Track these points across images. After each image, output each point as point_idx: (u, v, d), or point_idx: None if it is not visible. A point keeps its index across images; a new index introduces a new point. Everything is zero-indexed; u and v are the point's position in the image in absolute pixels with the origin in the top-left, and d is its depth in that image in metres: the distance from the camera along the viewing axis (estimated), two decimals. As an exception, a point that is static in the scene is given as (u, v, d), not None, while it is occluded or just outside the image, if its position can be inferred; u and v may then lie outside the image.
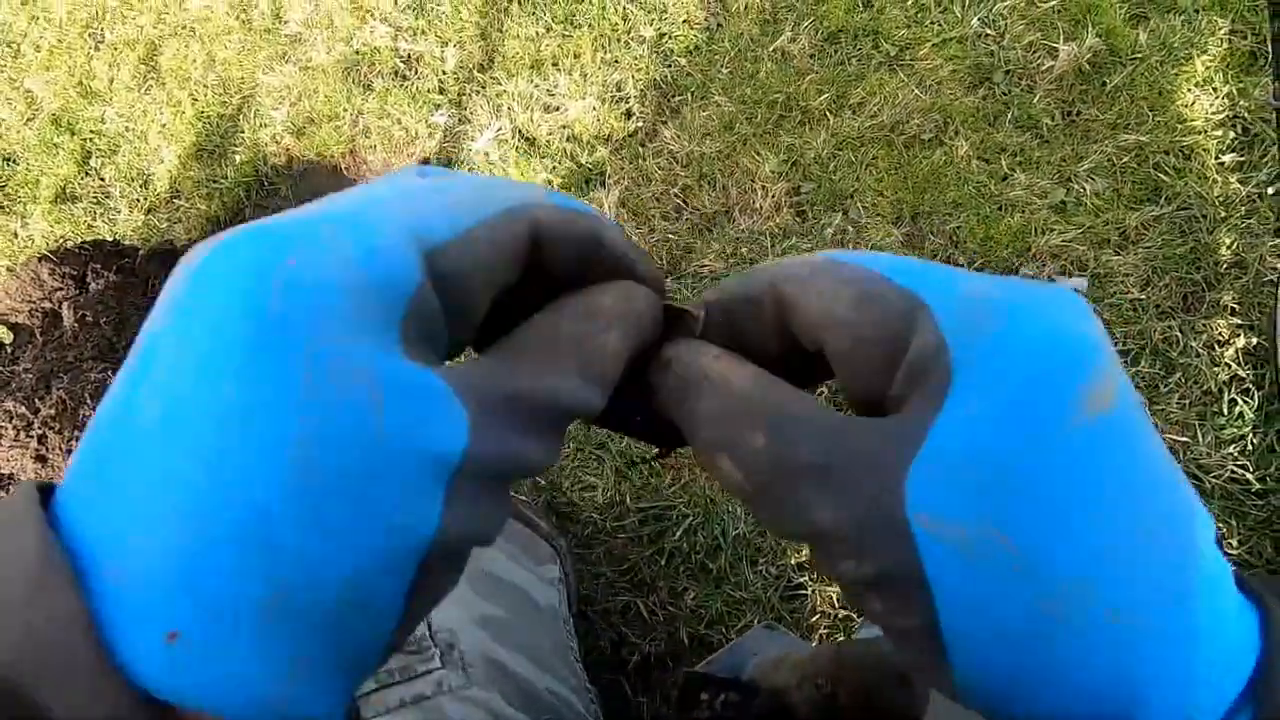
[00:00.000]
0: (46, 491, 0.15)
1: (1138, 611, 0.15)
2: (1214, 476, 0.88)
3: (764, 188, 1.14)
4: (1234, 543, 0.86)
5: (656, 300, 0.22)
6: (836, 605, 0.92)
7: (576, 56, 1.31)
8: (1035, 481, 0.15)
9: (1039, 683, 0.15)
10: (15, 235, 1.58)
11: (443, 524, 0.15)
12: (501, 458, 0.17)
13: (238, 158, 1.48)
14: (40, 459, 0.97)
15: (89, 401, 0.97)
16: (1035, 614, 0.15)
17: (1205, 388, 0.93)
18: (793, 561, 0.95)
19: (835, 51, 1.21)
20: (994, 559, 0.15)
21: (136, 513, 0.13)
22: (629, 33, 1.30)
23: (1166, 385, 0.94)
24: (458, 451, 0.16)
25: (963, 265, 1.05)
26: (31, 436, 0.96)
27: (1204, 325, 0.96)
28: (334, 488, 0.14)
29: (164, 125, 1.56)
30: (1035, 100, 1.11)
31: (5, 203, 1.63)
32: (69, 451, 0.97)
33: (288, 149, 1.46)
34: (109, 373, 1.01)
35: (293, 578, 0.13)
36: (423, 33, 1.42)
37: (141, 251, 1.32)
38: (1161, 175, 1.04)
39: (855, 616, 0.91)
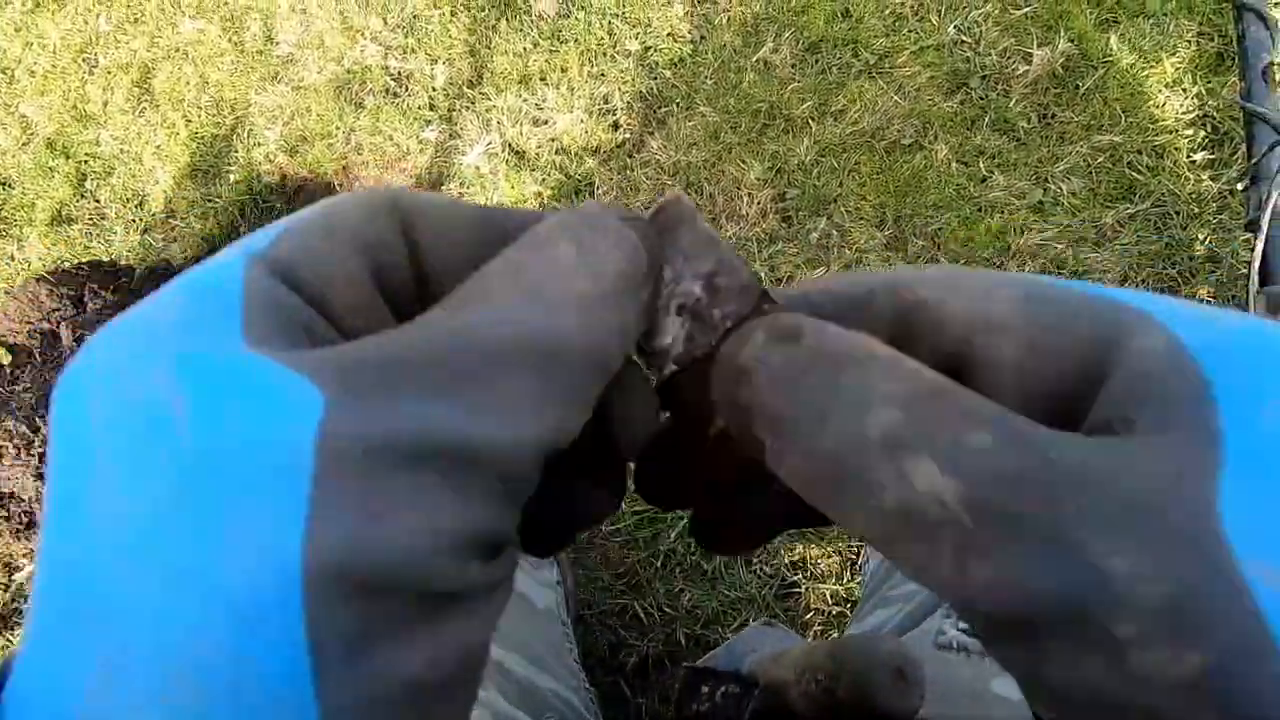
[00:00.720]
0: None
1: None
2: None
3: (750, 195, 1.16)
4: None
5: (638, 231, 0.15)
6: (830, 602, 0.93)
7: (564, 71, 1.33)
8: None
9: None
10: (12, 258, 1.60)
11: (311, 530, 0.10)
12: (393, 431, 0.11)
13: (232, 177, 1.51)
14: (41, 477, 0.99)
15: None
16: None
17: (1184, 379, 0.95)
18: (786, 560, 0.96)
19: (816, 61, 1.24)
20: None
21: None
22: (615, 46, 1.33)
23: (1146, 378, 0.96)
24: (307, 437, 0.11)
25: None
26: (33, 455, 0.98)
27: (1181, 319, 0.98)
28: (151, 533, 0.11)
29: (158, 147, 1.58)
30: (1011, 104, 1.14)
31: (2, 226, 1.65)
32: (70, 469, 0.98)
33: (281, 167, 1.48)
34: (108, 390, 1.03)
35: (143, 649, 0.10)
36: (412, 51, 1.44)
37: (138, 271, 1.34)
38: (1135, 174, 1.07)
39: (848, 612, 0.93)
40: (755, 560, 0.97)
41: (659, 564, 0.98)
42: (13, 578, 1.22)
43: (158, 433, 0.11)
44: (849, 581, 0.94)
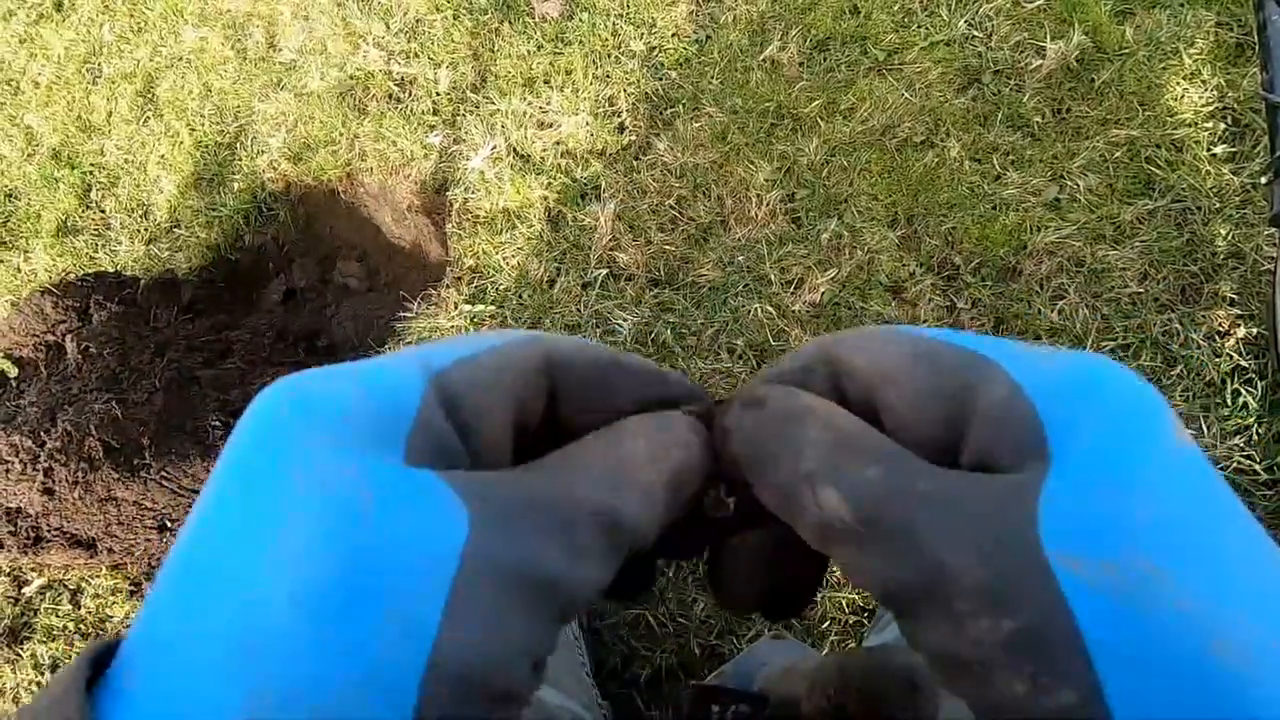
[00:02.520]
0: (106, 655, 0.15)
1: None
2: (1221, 468, 0.88)
3: (758, 196, 1.15)
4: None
5: (699, 426, 0.20)
6: (845, 611, 0.91)
7: (568, 73, 1.32)
8: (1167, 509, 0.14)
9: None
10: (18, 270, 1.60)
11: (440, 633, 0.14)
12: (512, 553, 0.15)
13: (236, 185, 1.50)
14: (47, 491, 0.98)
15: (94, 433, 0.98)
16: (1204, 664, 0.13)
17: (1208, 379, 0.93)
18: (801, 568, 0.94)
19: (824, 59, 1.22)
20: (1151, 598, 0.13)
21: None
22: (619, 48, 1.31)
23: (1168, 379, 0.94)
24: (456, 547, 0.14)
25: (960, 265, 1.05)
26: (38, 469, 0.97)
27: (1203, 317, 0.96)
28: (327, 594, 0.13)
29: (163, 156, 1.57)
30: (1025, 99, 1.12)
31: (7, 238, 1.65)
32: (75, 483, 0.97)
33: (285, 175, 1.47)
34: (113, 403, 1.02)
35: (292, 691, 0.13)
36: (415, 55, 1.43)
37: (143, 282, 1.33)
38: (1154, 169, 1.04)
39: (865, 621, 0.91)
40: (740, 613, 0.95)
41: (671, 574, 0.96)
42: (21, 591, 1.22)
43: (352, 519, 0.14)
44: (865, 591, 0.92)
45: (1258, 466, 0.87)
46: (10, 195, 1.69)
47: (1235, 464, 0.88)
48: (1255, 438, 0.89)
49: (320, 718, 0.13)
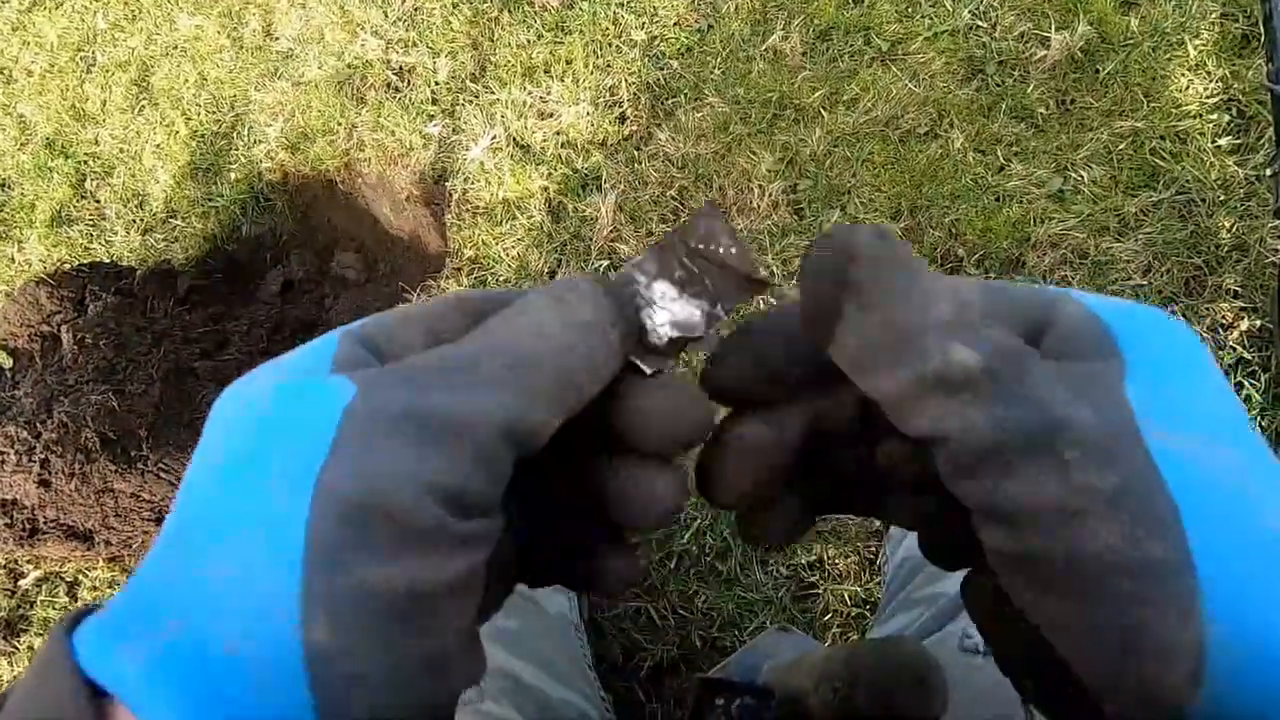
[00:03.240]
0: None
1: None
2: (1224, 461, 0.88)
3: (761, 187, 1.14)
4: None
5: (605, 302, 0.19)
6: (848, 604, 0.91)
7: (568, 62, 1.31)
8: (1230, 408, 0.16)
9: None
10: (12, 260, 1.58)
11: (326, 464, 0.16)
12: (400, 405, 0.16)
13: (233, 175, 1.48)
14: (44, 483, 0.97)
15: (90, 424, 0.97)
16: (1270, 536, 0.14)
17: (1211, 372, 0.93)
18: (804, 561, 0.94)
19: (827, 48, 1.21)
20: (1229, 469, 0.15)
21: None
22: (620, 37, 1.30)
23: (1172, 371, 0.93)
24: (339, 408, 0.16)
25: (963, 257, 1.05)
26: (34, 461, 0.96)
27: (1207, 309, 0.95)
28: (231, 466, 0.17)
29: (158, 145, 1.56)
30: (1029, 90, 1.11)
31: (1, 228, 1.63)
32: (72, 475, 0.96)
33: (282, 165, 1.46)
34: (110, 395, 1.01)
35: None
36: (414, 44, 1.42)
37: (139, 272, 1.32)
38: (1158, 160, 1.04)
39: (868, 614, 0.90)
40: (771, 561, 0.95)
41: (673, 566, 0.96)
42: (18, 584, 1.21)
43: (249, 413, 0.17)
44: (868, 582, 0.92)
45: (1261, 459, 0.87)
46: (4, 185, 1.67)
47: (1238, 457, 0.88)
48: (1259, 430, 0.89)
49: (225, 572, 0.15)
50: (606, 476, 0.20)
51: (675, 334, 0.21)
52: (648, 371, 0.20)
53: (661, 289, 0.21)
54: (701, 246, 0.21)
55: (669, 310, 0.21)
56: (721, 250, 0.21)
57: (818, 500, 0.24)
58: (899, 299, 0.17)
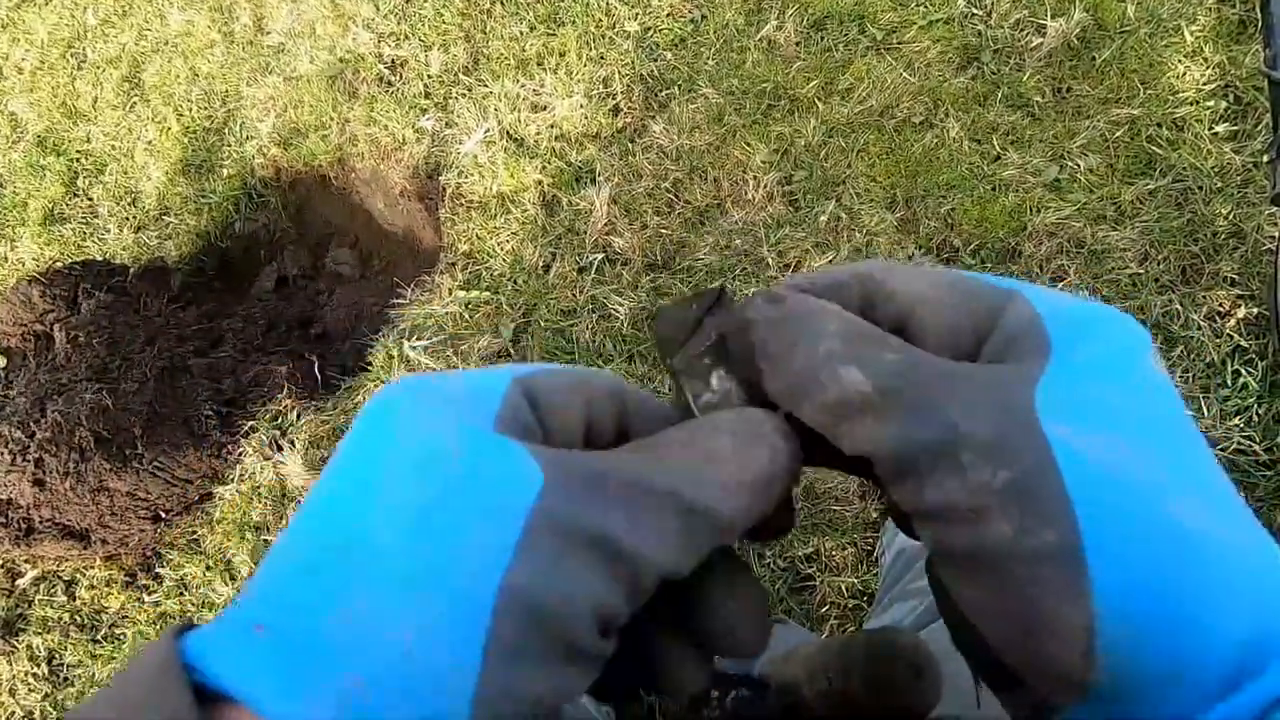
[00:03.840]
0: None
1: (1266, 551, 0.16)
2: (1220, 449, 0.88)
3: (755, 178, 1.13)
4: (1244, 515, 0.85)
5: (788, 429, 0.20)
6: (845, 595, 0.91)
7: (562, 55, 1.30)
8: (1143, 408, 0.17)
9: (1183, 616, 0.15)
10: (5, 259, 1.58)
11: (512, 564, 0.16)
12: (579, 514, 0.16)
13: (225, 171, 1.48)
14: (38, 483, 0.97)
15: (84, 423, 0.97)
16: (1167, 523, 0.15)
17: (1208, 360, 0.92)
18: (801, 553, 0.94)
19: (822, 38, 1.20)
20: (1125, 464, 0.16)
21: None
22: (613, 28, 1.29)
23: (1169, 359, 0.93)
24: (529, 497, 0.16)
25: (959, 247, 1.04)
26: (29, 461, 0.96)
27: (1204, 297, 0.95)
28: (419, 516, 0.16)
29: (150, 142, 1.55)
30: (1025, 78, 1.10)
31: (-6, 227, 1.63)
32: (66, 474, 0.96)
33: (275, 160, 1.45)
34: (103, 393, 1.01)
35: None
36: (406, 37, 1.41)
37: (132, 270, 1.32)
38: (1155, 148, 1.03)
39: (865, 605, 0.90)
40: (768, 554, 0.95)
41: (670, 559, 0.96)
42: (15, 584, 1.21)
43: (442, 462, 0.17)
44: (865, 574, 0.92)
45: (1258, 447, 0.87)
46: (-5, 183, 1.67)
47: (1235, 444, 0.88)
48: (1255, 418, 0.89)
49: (405, 636, 0.15)
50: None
51: None
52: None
53: None
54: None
55: None
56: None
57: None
58: (791, 346, 0.19)
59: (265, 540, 1.11)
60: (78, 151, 1.61)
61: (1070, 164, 1.05)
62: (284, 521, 1.11)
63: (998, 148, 1.08)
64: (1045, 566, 0.16)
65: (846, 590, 0.91)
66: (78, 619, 1.16)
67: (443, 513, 0.16)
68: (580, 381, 0.21)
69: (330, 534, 0.17)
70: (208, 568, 1.13)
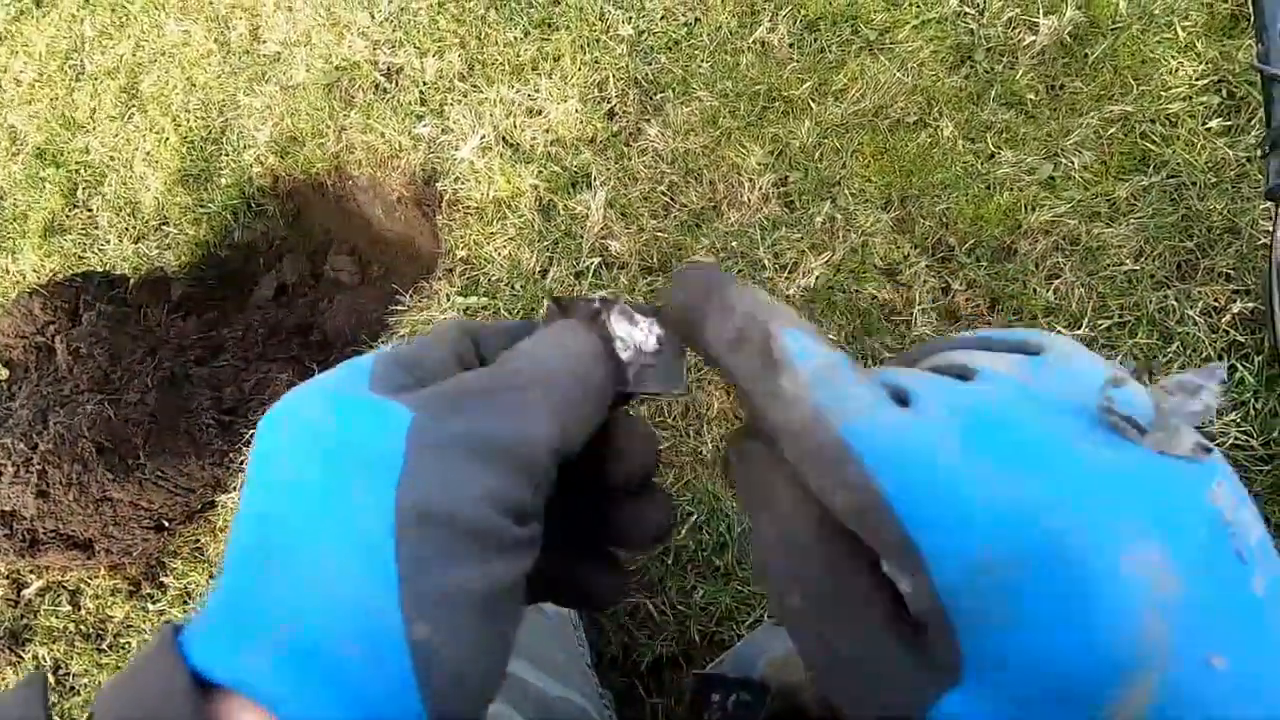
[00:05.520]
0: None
1: None
2: (1218, 444, 0.88)
3: (751, 180, 1.13)
4: (1242, 510, 0.85)
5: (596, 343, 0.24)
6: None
7: (556, 59, 1.30)
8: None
9: None
10: (6, 271, 1.58)
11: (399, 489, 0.18)
12: (459, 430, 0.19)
13: (224, 180, 1.48)
14: (42, 494, 0.97)
15: (86, 434, 0.97)
16: None
17: (1204, 355, 0.92)
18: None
19: (815, 39, 1.21)
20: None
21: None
22: (607, 32, 1.30)
23: (1165, 355, 0.93)
24: (401, 433, 0.19)
25: (954, 246, 1.04)
26: (32, 472, 0.96)
27: (1199, 293, 0.95)
28: (324, 489, 0.19)
29: (148, 152, 1.56)
30: (1018, 76, 1.10)
31: (-5, 239, 1.63)
32: (69, 485, 0.97)
33: (273, 169, 1.46)
34: (105, 404, 1.01)
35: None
36: (401, 44, 1.41)
37: (133, 280, 1.32)
38: (1149, 144, 1.03)
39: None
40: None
41: (670, 561, 0.96)
42: (20, 594, 1.21)
43: (321, 434, 0.19)
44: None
45: (1255, 442, 0.87)
46: (-4, 196, 1.67)
47: (1233, 439, 0.88)
48: (1252, 413, 0.89)
49: (324, 583, 0.17)
50: (603, 507, 0.24)
51: (642, 359, 0.24)
52: (632, 390, 0.24)
53: (619, 323, 0.25)
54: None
55: (629, 337, 0.25)
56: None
57: None
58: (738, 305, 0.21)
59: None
60: (77, 163, 1.62)
61: (1064, 161, 1.05)
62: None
63: (992, 146, 1.08)
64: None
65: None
66: (83, 629, 1.17)
67: (333, 475, 0.18)
68: (432, 337, 0.23)
69: (251, 529, 0.19)
70: (211, 576, 1.14)
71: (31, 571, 1.19)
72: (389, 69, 1.42)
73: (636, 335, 0.24)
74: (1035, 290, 0.99)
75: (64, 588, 1.20)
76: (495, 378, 0.20)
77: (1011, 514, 0.15)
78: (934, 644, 0.16)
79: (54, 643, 1.17)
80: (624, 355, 0.24)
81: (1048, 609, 0.15)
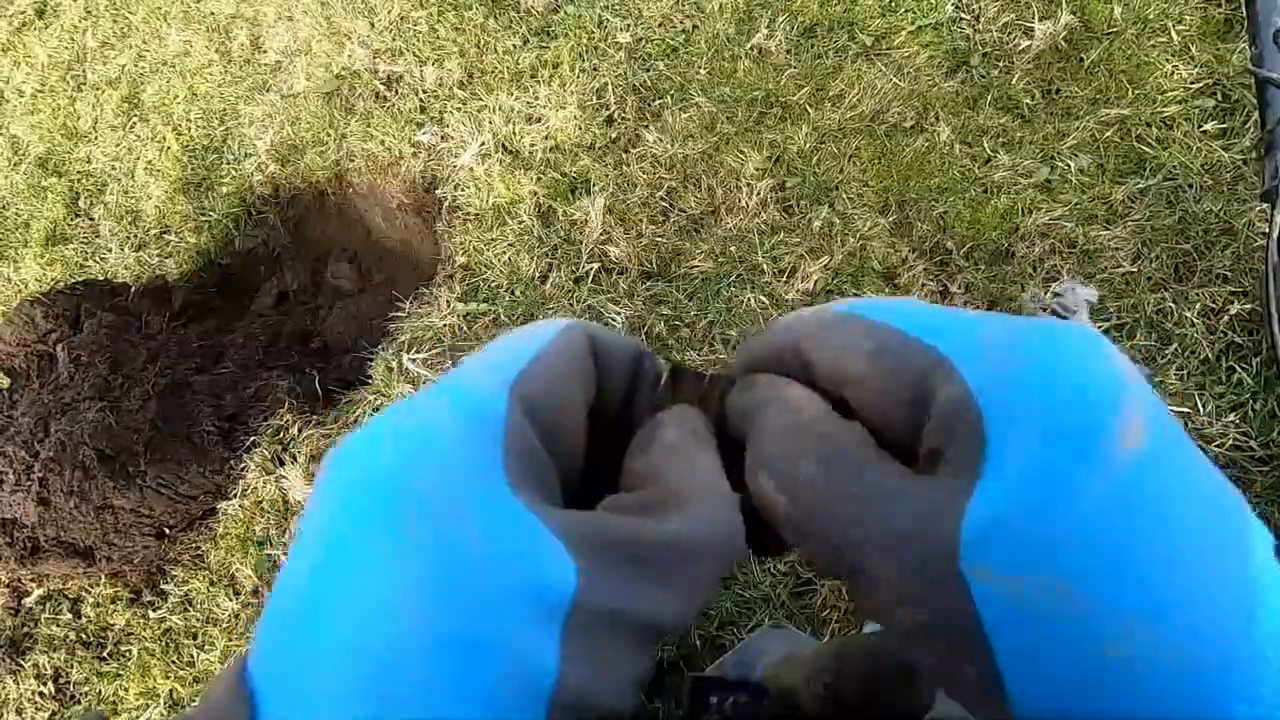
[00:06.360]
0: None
1: (1202, 644, 0.15)
2: (1217, 446, 0.88)
3: (749, 185, 1.14)
4: (1242, 511, 0.85)
5: (705, 418, 0.22)
6: (846, 599, 0.91)
7: (555, 67, 1.31)
8: (1084, 529, 0.15)
9: None
10: (8, 280, 1.59)
11: (561, 667, 0.15)
12: (616, 604, 0.16)
13: (224, 189, 1.49)
14: (43, 501, 0.98)
15: (88, 441, 0.98)
16: (1099, 658, 0.15)
17: (1202, 357, 0.93)
18: (802, 558, 0.94)
19: (812, 45, 1.21)
20: (1053, 608, 0.15)
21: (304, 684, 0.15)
22: (606, 39, 1.30)
23: (1164, 357, 0.94)
24: (568, 593, 0.16)
25: (952, 249, 1.05)
26: (33, 480, 0.97)
27: (1197, 294, 0.95)
28: (452, 629, 0.15)
29: (150, 161, 1.56)
30: (1014, 81, 1.11)
31: (-3, 248, 1.64)
32: (70, 493, 0.97)
33: (273, 177, 1.46)
34: (106, 411, 1.02)
35: None
36: (400, 53, 1.42)
37: (134, 289, 1.33)
38: (1145, 147, 1.04)
39: (866, 609, 0.91)
40: (769, 559, 0.95)
41: (671, 566, 0.96)
42: (21, 602, 1.21)
43: (464, 564, 0.15)
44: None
45: (1253, 443, 0.87)
46: (-2, 205, 1.68)
47: (1231, 440, 0.88)
48: (1250, 414, 0.89)
49: None
50: None
51: None
52: None
53: None
54: None
55: None
56: None
57: None
58: (750, 427, 0.20)
59: (268, 554, 1.12)
60: (79, 172, 1.63)
61: (1061, 165, 1.06)
62: (287, 536, 1.12)
63: (988, 150, 1.09)
64: (971, 692, 0.16)
65: (847, 593, 0.91)
66: (83, 637, 1.17)
67: (478, 636, 0.15)
68: (564, 366, 0.20)
69: (343, 635, 0.15)
70: (212, 583, 1.14)
71: (32, 580, 1.19)
72: (389, 77, 1.42)
73: None
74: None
75: (65, 596, 1.20)
76: (671, 547, 0.18)
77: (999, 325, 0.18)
78: (958, 452, 0.17)
79: (54, 651, 1.16)
80: None
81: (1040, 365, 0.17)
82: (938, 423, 0.17)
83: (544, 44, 1.33)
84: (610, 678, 0.16)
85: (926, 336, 0.18)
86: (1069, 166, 1.05)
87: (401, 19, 1.44)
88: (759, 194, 1.13)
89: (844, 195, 1.11)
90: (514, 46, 1.34)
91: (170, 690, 1.10)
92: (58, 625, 1.18)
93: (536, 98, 1.29)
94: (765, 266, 1.09)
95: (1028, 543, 0.15)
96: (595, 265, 1.15)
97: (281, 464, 1.15)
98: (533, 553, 0.16)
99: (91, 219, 1.58)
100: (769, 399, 0.20)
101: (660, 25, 1.29)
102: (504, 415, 0.18)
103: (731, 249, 1.11)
